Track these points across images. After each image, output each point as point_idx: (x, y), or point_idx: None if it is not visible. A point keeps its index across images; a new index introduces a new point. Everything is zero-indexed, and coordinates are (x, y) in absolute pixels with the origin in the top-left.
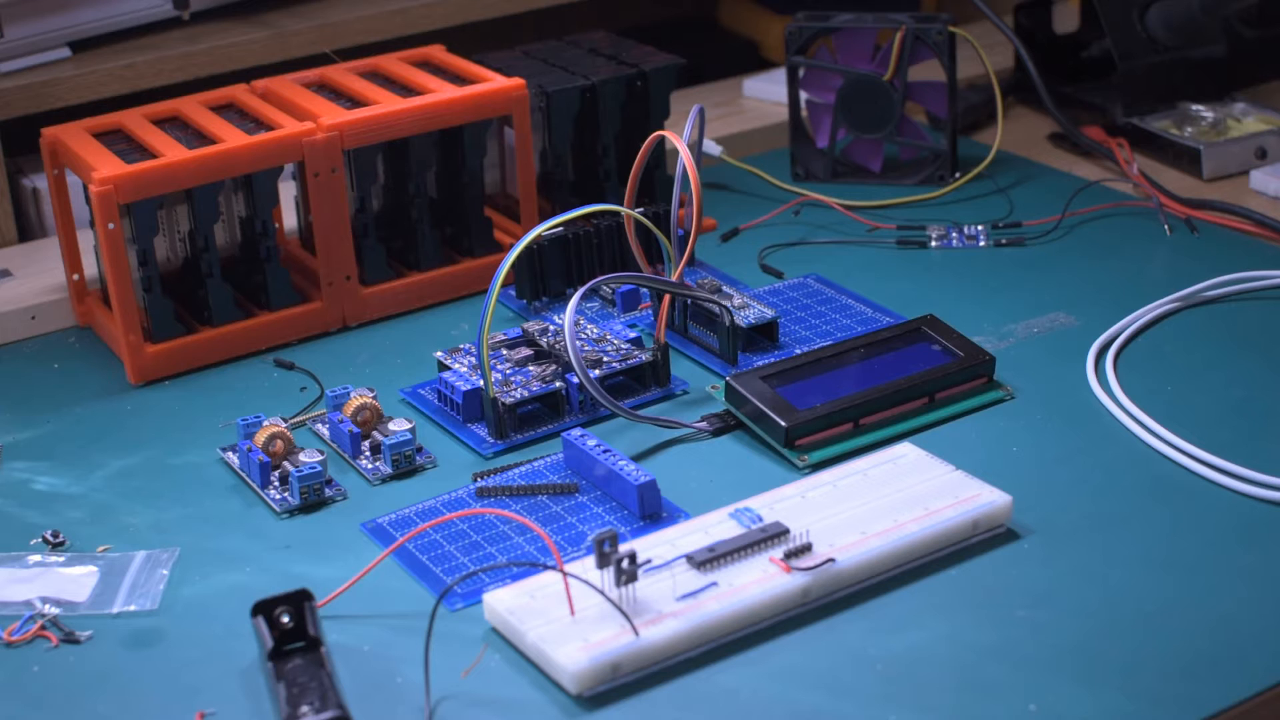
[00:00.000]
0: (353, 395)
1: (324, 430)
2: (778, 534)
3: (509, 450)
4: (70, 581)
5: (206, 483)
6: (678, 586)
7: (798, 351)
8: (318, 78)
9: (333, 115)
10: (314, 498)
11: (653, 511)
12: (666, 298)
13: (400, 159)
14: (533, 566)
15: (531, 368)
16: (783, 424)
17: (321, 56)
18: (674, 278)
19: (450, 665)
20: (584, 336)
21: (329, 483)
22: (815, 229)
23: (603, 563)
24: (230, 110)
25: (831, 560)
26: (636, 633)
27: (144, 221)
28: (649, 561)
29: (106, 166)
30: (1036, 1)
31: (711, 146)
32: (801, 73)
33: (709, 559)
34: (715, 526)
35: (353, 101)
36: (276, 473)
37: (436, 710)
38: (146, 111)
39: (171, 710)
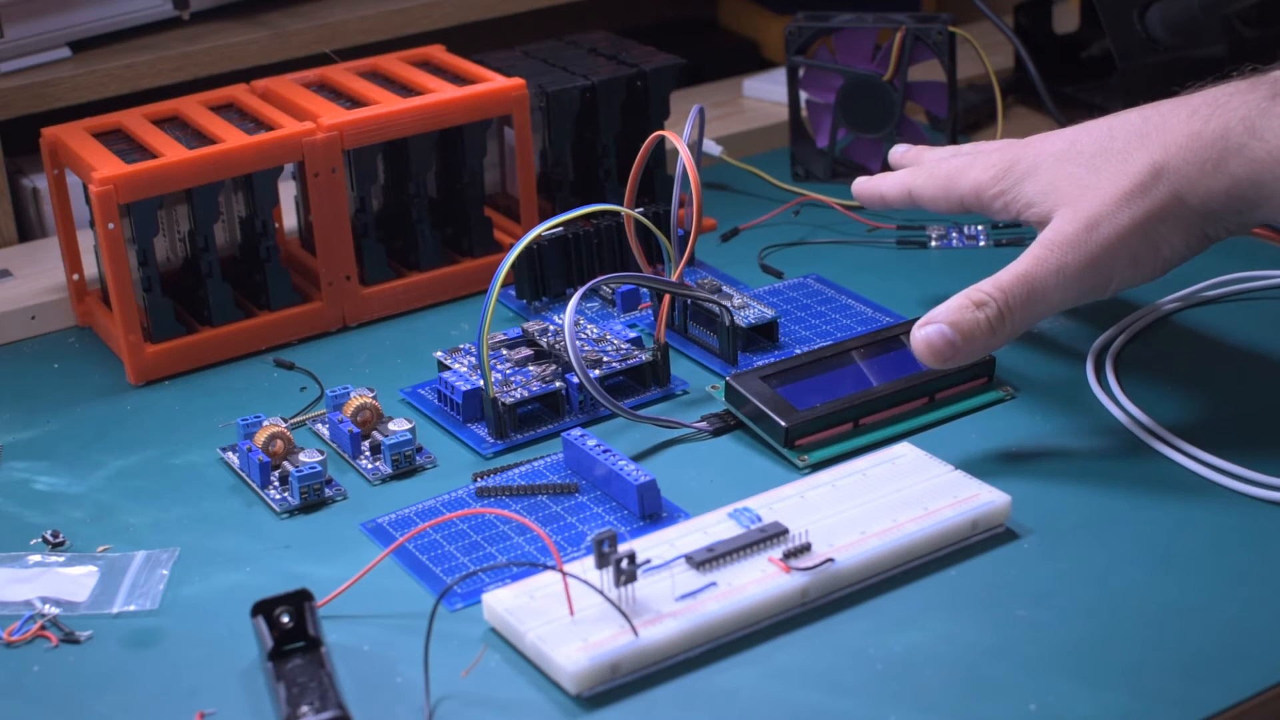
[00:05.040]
0: (353, 395)
1: (324, 430)
2: (777, 534)
3: (509, 450)
4: (70, 581)
5: (206, 483)
6: (677, 586)
7: (798, 351)
8: (318, 78)
9: (333, 115)
10: (314, 498)
11: (652, 511)
12: (666, 298)
13: (400, 159)
14: (532, 566)
15: (531, 368)
16: (782, 424)
17: (321, 56)
18: (674, 278)
19: (450, 665)
20: (584, 336)
21: (329, 483)
22: (815, 229)
23: (602, 563)
24: (230, 110)
25: (830, 560)
26: (636, 633)
27: (144, 221)
28: (648, 561)
29: (106, 166)
30: (1036, 1)
31: (711, 146)
32: (801, 73)
33: (708, 559)
34: (714, 526)
35: (353, 101)
36: (276, 473)
37: (436, 710)
38: (146, 111)
39: (171, 710)
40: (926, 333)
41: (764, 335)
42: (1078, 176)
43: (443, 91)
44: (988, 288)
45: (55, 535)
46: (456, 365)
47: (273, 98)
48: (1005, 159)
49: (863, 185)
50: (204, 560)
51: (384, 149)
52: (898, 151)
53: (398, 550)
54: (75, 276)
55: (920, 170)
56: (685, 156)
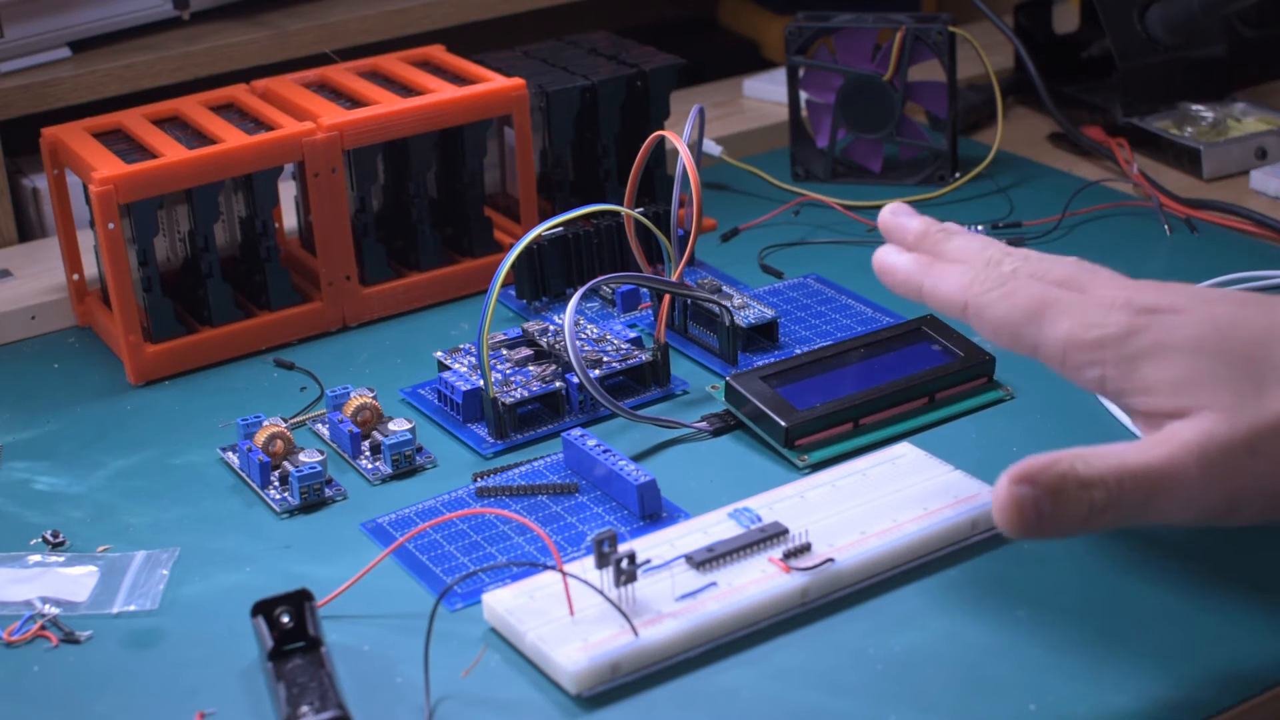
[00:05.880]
0: (353, 395)
1: (324, 430)
2: (777, 534)
3: (509, 450)
4: (70, 581)
5: (206, 483)
6: (677, 586)
7: (798, 351)
8: (318, 78)
9: (333, 115)
10: (314, 498)
11: (653, 511)
12: (666, 298)
13: (400, 159)
14: (532, 566)
15: (531, 368)
16: (782, 424)
17: (321, 56)
18: (674, 278)
19: (450, 665)
20: (584, 336)
21: (329, 483)
22: (815, 229)
23: (602, 563)
24: (230, 110)
25: (830, 560)
26: (636, 633)
27: (144, 221)
28: (648, 561)
29: (106, 166)
30: (1036, 1)
31: (711, 146)
32: (801, 73)
33: (708, 559)
34: (714, 526)
35: (353, 101)
36: (276, 473)
37: (436, 710)
38: (146, 111)
39: (171, 710)
40: (1019, 494)
41: (764, 335)
42: (1229, 380)
43: (443, 91)
44: (1104, 468)
45: (55, 535)
46: (456, 365)
47: (273, 98)
48: (1116, 323)
49: (899, 271)
50: (204, 560)
51: (384, 149)
52: (913, 229)
53: (398, 550)
54: (75, 276)
55: (989, 278)
56: (685, 156)
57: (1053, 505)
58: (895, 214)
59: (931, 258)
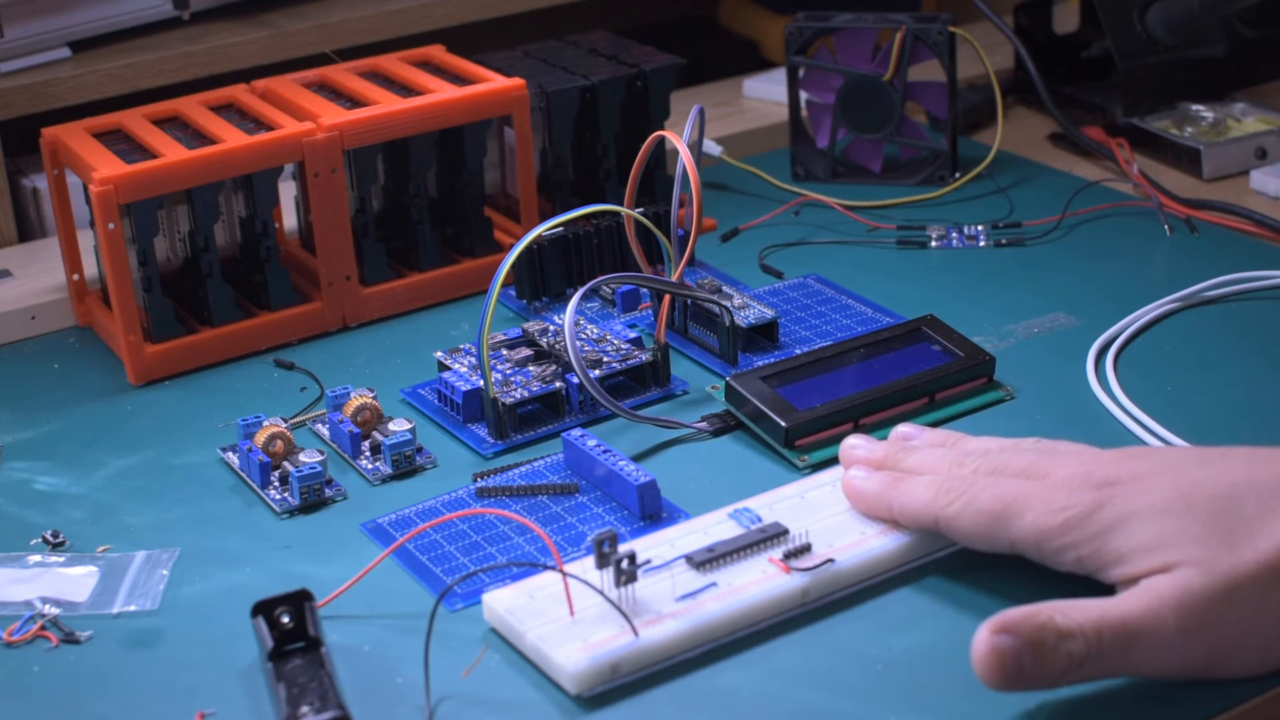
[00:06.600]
0: (353, 395)
1: (324, 430)
2: (777, 534)
3: (509, 450)
4: (70, 581)
5: (206, 483)
6: (677, 587)
7: (798, 351)
8: (318, 78)
9: (333, 115)
10: (314, 498)
11: (653, 512)
12: (666, 298)
13: (400, 159)
14: (532, 567)
15: (531, 368)
16: (783, 424)
17: (321, 56)
18: (674, 278)
19: (450, 665)
20: (584, 336)
21: (329, 483)
22: (815, 229)
23: (602, 563)
24: (230, 110)
25: (831, 560)
26: (636, 633)
27: (144, 221)
28: (648, 562)
29: (106, 166)
30: (1036, 1)
31: (711, 146)
32: (801, 73)
33: (708, 559)
34: (714, 527)
35: (353, 101)
36: (276, 473)
37: (436, 710)
38: (146, 111)
39: (171, 710)
40: (1000, 644)
41: (764, 335)
42: (1197, 536)
43: (443, 91)
44: (1082, 620)
45: (55, 535)
46: (456, 365)
47: (273, 98)
48: (1079, 504)
49: (866, 496)
50: (204, 560)
51: (384, 149)
52: (875, 458)
53: (398, 550)
54: (75, 276)
55: (951, 488)
56: (685, 156)
57: (1033, 657)
58: (853, 448)
59: (896, 475)
